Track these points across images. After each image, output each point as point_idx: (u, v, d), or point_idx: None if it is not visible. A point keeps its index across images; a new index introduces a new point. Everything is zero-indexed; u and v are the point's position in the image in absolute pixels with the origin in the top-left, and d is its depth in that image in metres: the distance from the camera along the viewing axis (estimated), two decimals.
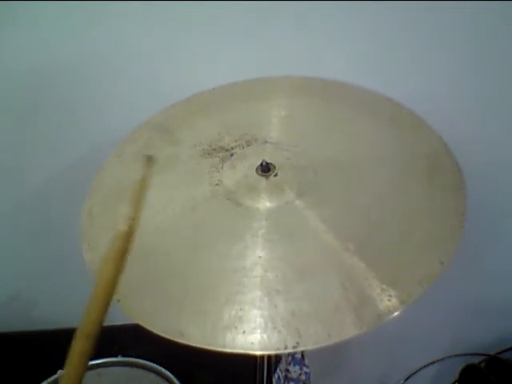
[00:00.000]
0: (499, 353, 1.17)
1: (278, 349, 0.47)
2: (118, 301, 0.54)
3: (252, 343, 0.48)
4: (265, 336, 0.48)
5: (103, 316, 0.45)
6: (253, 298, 0.51)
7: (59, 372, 0.79)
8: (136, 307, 0.54)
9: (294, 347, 0.47)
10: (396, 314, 0.48)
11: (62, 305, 1.08)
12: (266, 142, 0.69)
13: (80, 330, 0.45)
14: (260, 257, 0.54)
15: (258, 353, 0.47)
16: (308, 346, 0.47)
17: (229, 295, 0.52)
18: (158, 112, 0.78)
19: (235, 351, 0.48)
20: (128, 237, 0.46)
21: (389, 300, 0.49)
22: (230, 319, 0.50)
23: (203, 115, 0.76)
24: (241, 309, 0.50)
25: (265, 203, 0.60)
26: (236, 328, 0.49)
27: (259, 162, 0.63)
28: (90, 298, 0.45)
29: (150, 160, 0.47)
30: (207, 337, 0.49)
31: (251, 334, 0.49)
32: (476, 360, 1.16)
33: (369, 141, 0.68)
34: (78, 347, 0.45)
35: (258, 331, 0.49)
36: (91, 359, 0.80)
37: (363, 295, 0.50)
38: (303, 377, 0.96)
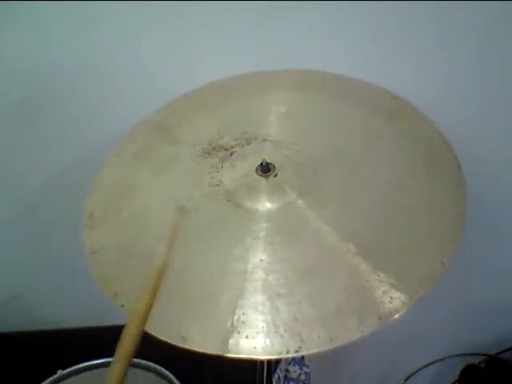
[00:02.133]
0: (499, 353, 1.17)
1: (281, 353, 0.47)
2: (122, 306, 0.54)
3: (255, 348, 0.48)
4: (267, 341, 0.48)
5: (137, 343, 0.51)
6: (255, 302, 0.51)
7: (59, 372, 0.79)
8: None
9: (297, 351, 0.47)
10: (398, 315, 0.48)
11: (62, 305, 1.09)
12: (266, 140, 0.68)
13: (116, 356, 0.51)
14: (261, 260, 0.54)
15: (262, 358, 0.47)
16: (310, 350, 0.47)
17: (231, 299, 0.51)
18: (157, 109, 0.78)
19: (238, 356, 0.48)
20: (160, 274, 0.53)
21: (390, 302, 0.49)
22: (233, 324, 0.50)
23: (202, 112, 0.76)
24: (243, 313, 0.50)
25: (265, 204, 0.60)
26: (239, 333, 0.49)
27: (259, 162, 0.62)
28: (126, 329, 0.51)
29: (182, 211, 0.58)
30: (210, 342, 0.49)
31: (254, 339, 0.48)
32: (476, 360, 1.16)
33: (368, 137, 0.68)
34: (115, 371, 0.50)
35: (261, 336, 0.49)
36: (91, 359, 0.81)
37: (365, 297, 0.50)
38: (303, 377, 0.96)
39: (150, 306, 0.51)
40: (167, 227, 0.57)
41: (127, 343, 0.50)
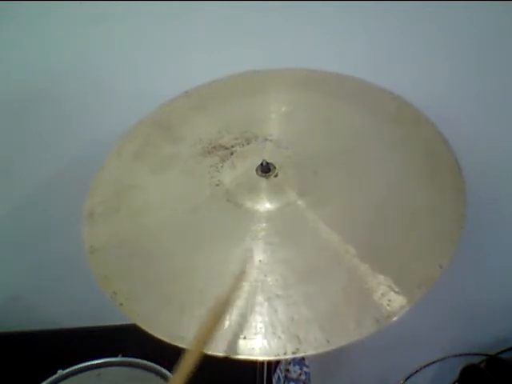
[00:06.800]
0: (499, 353, 1.17)
1: (278, 354, 0.47)
2: (121, 304, 0.54)
3: (252, 349, 0.48)
4: (265, 342, 0.48)
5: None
6: (253, 302, 0.51)
7: (59, 372, 0.79)
8: (138, 310, 0.54)
9: (294, 353, 0.47)
10: (395, 318, 0.48)
11: (62, 305, 1.09)
12: (266, 139, 0.68)
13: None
14: (260, 261, 0.54)
15: (259, 359, 0.47)
16: (308, 352, 0.47)
17: (229, 300, 0.51)
18: (158, 107, 0.78)
19: (236, 357, 0.48)
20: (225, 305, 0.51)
21: (388, 305, 0.49)
22: (231, 324, 0.50)
23: (203, 110, 0.76)
24: (241, 314, 0.50)
25: (265, 205, 0.60)
26: (236, 333, 0.49)
27: (259, 162, 0.62)
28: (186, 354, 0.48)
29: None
30: (208, 342, 0.49)
31: (251, 340, 0.49)
32: (476, 360, 1.16)
33: (369, 138, 0.67)
34: None
35: (259, 337, 0.49)
36: (91, 359, 0.81)
37: (363, 300, 0.50)
38: (303, 377, 0.96)
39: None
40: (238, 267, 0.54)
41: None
